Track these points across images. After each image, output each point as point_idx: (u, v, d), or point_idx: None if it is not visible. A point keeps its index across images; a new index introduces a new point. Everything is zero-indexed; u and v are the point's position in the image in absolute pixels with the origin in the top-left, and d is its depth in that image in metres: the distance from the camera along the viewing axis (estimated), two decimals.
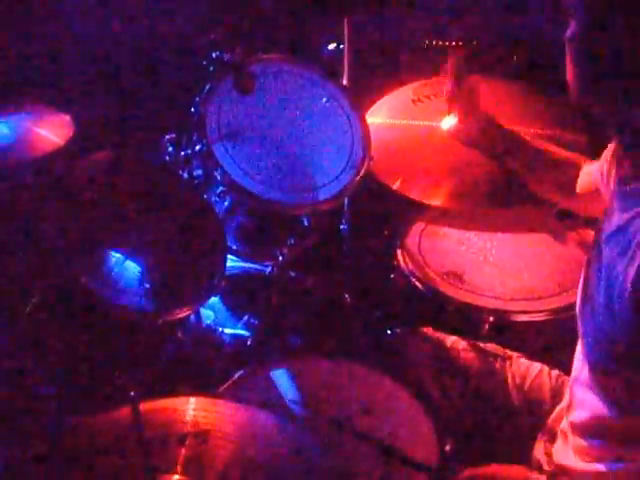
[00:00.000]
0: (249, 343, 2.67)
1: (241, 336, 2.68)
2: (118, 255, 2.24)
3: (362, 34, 3.10)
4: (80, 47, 3.48)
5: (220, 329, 2.66)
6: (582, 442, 1.75)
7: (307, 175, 2.56)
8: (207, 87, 2.54)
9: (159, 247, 2.34)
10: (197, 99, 2.54)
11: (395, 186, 2.62)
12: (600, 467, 1.70)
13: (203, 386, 2.34)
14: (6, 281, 2.22)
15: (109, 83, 3.51)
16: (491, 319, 2.34)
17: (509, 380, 2.15)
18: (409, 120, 2.78)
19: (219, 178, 2.46)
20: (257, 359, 2.27)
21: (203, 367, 2.55)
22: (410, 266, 2.53)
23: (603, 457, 1.70)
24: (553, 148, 2.30)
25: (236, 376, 2.13)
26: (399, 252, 2.58)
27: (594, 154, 2.13)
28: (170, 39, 3.56)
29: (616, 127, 1.61)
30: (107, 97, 3.48)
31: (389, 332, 2.53)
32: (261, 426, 1.73)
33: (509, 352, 2.22)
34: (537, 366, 2.17)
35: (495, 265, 2.53)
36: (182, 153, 2.64)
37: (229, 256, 2.51)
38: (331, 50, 3.35)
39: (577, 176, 2.14)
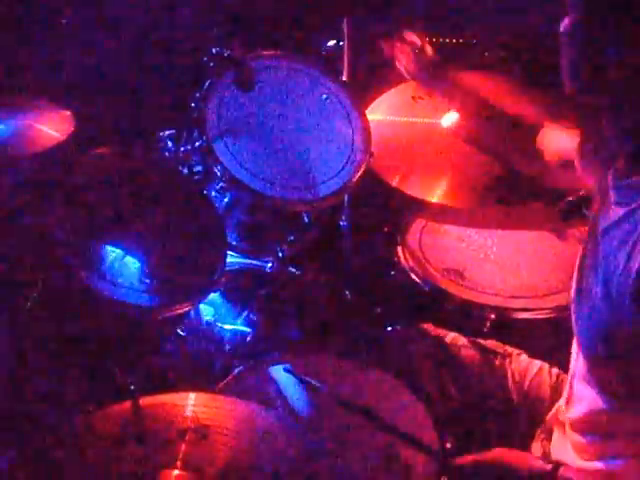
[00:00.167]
0: (249, 339, 2.67)
1: (241, 332, 2.68)
2: (118, 251, 2.24)
3: (362, 31, 3.09)
4: (80, 43, 3.47)
5: (220, 325, 2.66)
6: (581, 439, 1.76)
7: (307, 171, 2.56)
8: (207, 83, 2.55)
9: (159, 243, 2.34)
10: (197, 95, 2.54)
11: (395, 183, 2.62)
12: (598, 465, 1.71)
13: (203, 382, 2.36)
14: (6, 277, 2.21)
15: (109, 79, 3.50)
16: (492, 316, 2.34)
17: (509, 377, 2.15)
18: (409, 117, 2.79)
19: (219, 174, 2.46)
20: (257, 355, 2.27)
21: (203, 363, 2.55)
22: (410, 263, 2.52)
23: (602, 454, 1.71)
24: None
25: (236, 372, 2.13)
26: (399, 249, 2.58)
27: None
28: (170, 35, 3.55)
29: (611, 119, 1.61)
30: (107, 93, 3.48)
31: (389, 328, 2.53)
32: (260, 421, 1.74)
33: (509, 349, 2.22)
34: (537, 364, 2.17)
35: (496, 262, 2.53)
36: (182, 149, 2.64)
37: (229, 252, 2.52)
38: (331, 46, 3.34)
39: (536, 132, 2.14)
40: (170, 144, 2.81)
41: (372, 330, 2.65)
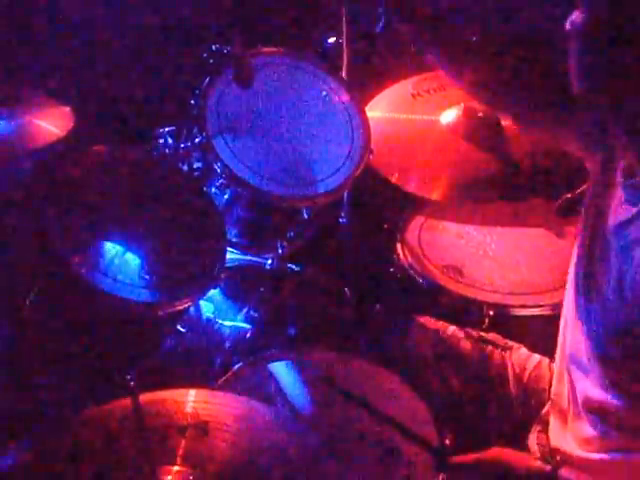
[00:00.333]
0: (248, 335, 2.67)
1: (241, 328, 2.68)
2: (118, 247, 2.24)
3: (362, 28, 3.10)
4: (80, 39, 3.47)
5: (220, 321, 2.66)
6: (583, 431, 1.76)
7: (307, 168, 2.56)
8: (207, 80, 2.54)
9: (159, 239, 2.34)
10: (197, 92, 2.54)
11: (394, 179, 2.63)
12: (599, 456, 1.72)
13: (203, 378, 2.36)
14: (5, 274, 2.21)
15: (109, 75, 3.50)
16: (491, 313, 2.35)
17: (509, 370, 2.16)
18: (408, 114, 2.79)
19: (219, 171, 2.46)
20: (257, 351, 2.27)
21: (203, 359, 2.56)
22: (410, 259, 2.53)
23: (604, 446, 1.72)
24: None
25: (235, 368, 2.14)
26: (399, 246, 2.59)
27: None
28: (170, 31, 3.55)
29: (622, 118, 1.61)
30: (107, 90, 3.47)
31: (390, 321, 2.54)
32: (260, 418, 1.75)
33: (510, 342, 2.24)
34: (537, 357, 2.19)
35: (494, 259, 2.53)
36: (182, 145, 2.64)
37: (229, 248, 2.51)
38: (331, 44, 3.34)
39: None
40: (170, 141, 2.81)
41: (374, 323, 2.65)
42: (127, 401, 1.64)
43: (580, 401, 1.77)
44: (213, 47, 2.60)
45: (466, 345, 2.23)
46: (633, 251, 1.56)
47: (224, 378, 2.11)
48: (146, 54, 3.54)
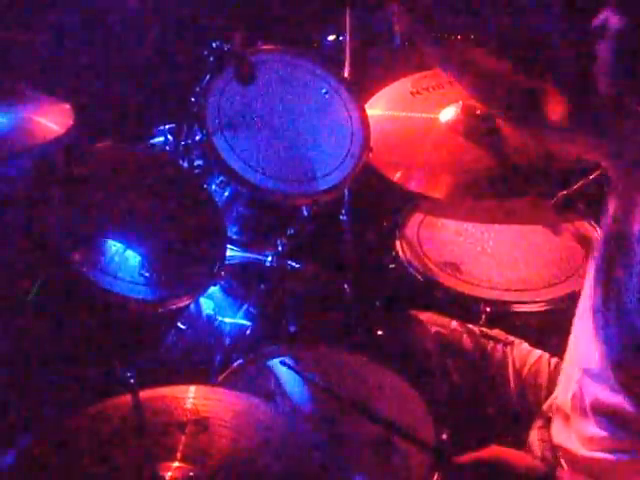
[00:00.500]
0: (248, 332, 2.67)
1: (241, 325, 2.69)
2: (118, 244, 2.24)
3: (362, 26, 3.10)
4: (80, 36, 3.47)
5: (220, 318, 2.67)
6: (592, 431, 1.77)
7: (307, 165, 2.57)
8: (207, 77, 2.55)
9: (159, 237, 2.34)
10: (197, 89, 2.55)
11: (393, 177, 2.64)
12: (603, 456, 1.73)
13: (203, 374, 2.37)
14: (6, 270, 2.22)
15: (109, 73, 3.50)
16: (488, 309, 2.36)
17: (509, 365, 2.17)
18: (408, 112, 2.80)
19: (219, 168, 2.47)
20: (256, 348, 2.28)
21: (203, 356, 2.56)
22: (409, 256, 2.54)
23: (609, 447, 1.73)
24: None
25: (235, 365, 2.15)
26: (398, 242, 2.60)
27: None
28: (171, 29, 3.55)
29: None
30: (107, 87, 3.48)
31: (393, 315, 2.55)
32: (260, 414, 1.75)
33: (511, 338, 2.25)
34: (537, 353, 2.20)
35: (492, 256, 2.54)
36: (182, 143, 2.64)
37: (229, 246, 2.52)
38: (331, 41, 3.35)
39: None
40: (170, 138, 2.82)
41: (373, 320, 2.66)
42: (127, 398, 1.65)
43: (588, 403, 1.78)
44: (213, 45, 2.60)
45: (467, 340, 2.24)
46: None
47: (224, 375, 2.11)
48: (146, 51, 3.55)
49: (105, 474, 1.60)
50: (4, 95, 2.94)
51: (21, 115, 2.87)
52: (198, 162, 2.59)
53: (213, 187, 2.56)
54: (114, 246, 2.22)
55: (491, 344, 2.23)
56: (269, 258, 2.74)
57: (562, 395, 1.93)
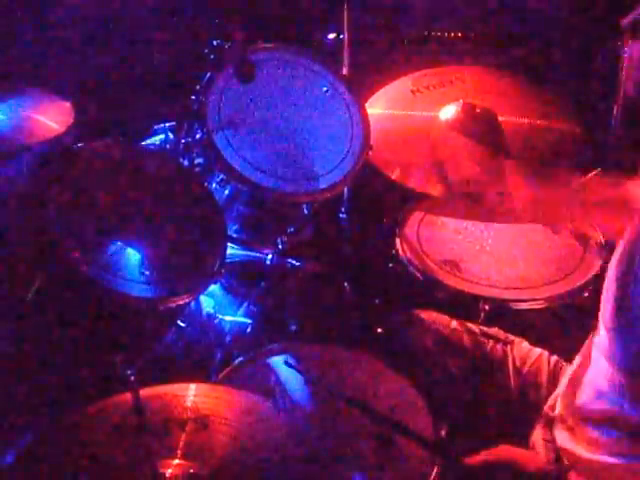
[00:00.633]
0: (249, 330, 2.68)
1: (241, 323, 2.69)
2: (118, 243, 2.24)
3: (362, 24, 3.11)
4: (81, 34, 3.47)
5: (220, 316, 2.67)
6: (597, 435, 1.77)
7: (307, 164, 2.58)
8: (207, 75, 2.55)
9: (159, 235, 2.34)
10: (197, 87, 2.55)
11: (394, 176, 2.64)
12: (608, 459, 1.73)
13: (203, 372, 2.37)
14: (7, 268, 2.22)
15: (109, 71, 3.50)
16: (487, 307, 2.37)
17: (509, 363, 2.17)
18: (408, 110, 2.80)
19: (219, 166, 2.47)
20: (256, 346, 2.29)
21: (203, 354, 2.57)
22: (408, 254, 2.54)
23: (615, 451, 1.73)
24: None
25: (236, 362, 2.15)
26: (398, 241, 2.60)
27: (587, 144, 2.13)
28: (171, 27, 3.56)
29: None
30: (107, 85, 3.48)
31: (394, 314, 2.55)
32: (260, 411, 1.76)
33: (511, 336, 2.25)
34: (537, 351, 2.20)
35: (491, 254, 2.54)
36: (182, 141, 2.65)
37: (229, 244, 2.52)
38: (332, 40, 3.35)
39: None
40: (171, 136, 2.83)
41: (373, 317, 2.67)
42: (128, 396, 1.66)
43: (594, 408, 1.79)
44: (214, 43, 2.61)
45: (467, 339, 2.24)
46: None
47: (224, 372, 2.12)
48: (146, 49, 3.55)
49: (106, 472, 1.60)
50: (4, 93, 2.95)
51: (21, 113, 2.88)
52: (198, 160, 2.60)
53: (213, 185, 2.56)
54: (114, 244, 2.23)
55: (491, 343, 2.23)
56: (269, 256, 2.75)
57: (566, 399, 1.93)
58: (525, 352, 2.20)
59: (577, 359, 1.97)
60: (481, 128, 2.67)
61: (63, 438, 1.67)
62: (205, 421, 1.68)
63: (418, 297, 2.53)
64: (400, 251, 2.57)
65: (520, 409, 2.10)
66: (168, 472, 1.59)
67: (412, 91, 2.87)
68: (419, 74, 2.94)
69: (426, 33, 2.87)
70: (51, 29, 3.46)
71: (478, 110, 2.70)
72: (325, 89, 2.70)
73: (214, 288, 2.59)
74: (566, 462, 1.84)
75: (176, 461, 1.62)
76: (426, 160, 2.67)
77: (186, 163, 2.62)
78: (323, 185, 2.55)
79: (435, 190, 2.62)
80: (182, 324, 2.50)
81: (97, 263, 2.17)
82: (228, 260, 2.49)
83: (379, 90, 2.92)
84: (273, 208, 2.66)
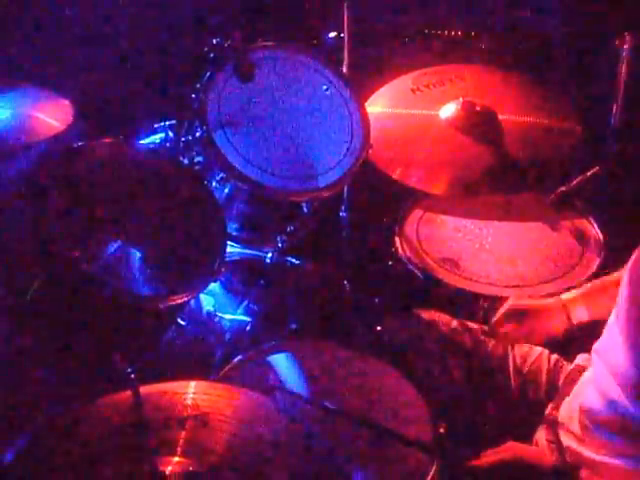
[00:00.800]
0: (248, 328, 2.69)
1: (241, 321, 2.70)
2: (119, 241, 2.24)
3: (363, 23, 3.11)
4: (80, 33, 3.48)
5: (220, 314, 2.68)
6: (603, 437, 1.76)
7: (307, 162, 2.58)
8: (207, 74, 2.55)
9: (159, 233, 2.34)
10: (197, 86, 2.55)
11: (394, 174, 2.64)
12: (615, 461, 1.72)
13: (203, 370, 2.38)
14: (8, 267, 2.22)
15: (109, 70, 3.51)
16: (486, 305, 2.37)
17: (510, 362, 2.18)
18: (408, 109, 2.81)
19: (219, 164, 2.48)
20: (256, 344, 2.29)
21: (203, 352, 2.57)
22: (408, 253, 2.55)
23: (621, 453, 1.72)
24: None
25: (235, 360, 2.15)
26: (397, 239, 2.60)
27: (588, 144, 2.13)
28: (171, 26, 3.56)
29: None
30: (107, 84, 3.48)
31: (394, 312, 2.56)
32: (259, 409, 1.75)
33: None
34: (538, 349, 2.21)
35: (491, 252, 2.55)
36: (182, 139, 2.65)
37: (229, 242, 2.52)
38: (332, 38, 3.36)
39: None
40: (171, 135, 2.82)
41: (375, 314, 2.67)
42: (128, 393, 1.66)
43: (601, 409, 1.79)
44: (214, 41, 2.61)
45: (468, 338, 2.25)
46: None
47: (224, 370, 2.12)
48: (147, 48, 3.55)
49: (106, 469, 1.61)
50: (4, 91, 2.95)
51: (21, 112, 2.88)
52: (198, 159, 2.59)
53: (213, 184, 2.56)
54: (114, 243, 2.23)
55: (491, 341, 2.23)
56: (269, 255, 2.75)
57: (573, 401, 1.93)
58: (525, 351, 2.21)
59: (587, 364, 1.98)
60: (481, 126, 2.68)
61: (63, 436, 1.67)
62: (205, 419, 1.68)
63: (418, 295, 2.53)
64: (400, 249, 2.57)
65: (520, 408, 2.11)
66: (168, 469, 1.59)
67: (412, 90, 2.88)
68: (419, 73, 2.95)
69: (426, 32, 2.87)
70: (51, 27, 3.47)
71: (478, 108, 2.71)
72: (325, 88, 2.70)
73: (214, 286, 2.58)
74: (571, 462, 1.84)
75: (176, 458, 1.61)
76: (426, 158, 2.68)
77: (186, 161, 2.62)
78: (323, 183, 2.55)
79: (435, 188, 2.63)
80: (182, 322, 2.50)
81: (97, 262, 2.17)
82: (228, 258, 2.50)
83: (379, 89, 2.92)
84: (273, 207, 2.66)
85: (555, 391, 2.07)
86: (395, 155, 2.71)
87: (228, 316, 2.69)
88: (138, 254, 2.25)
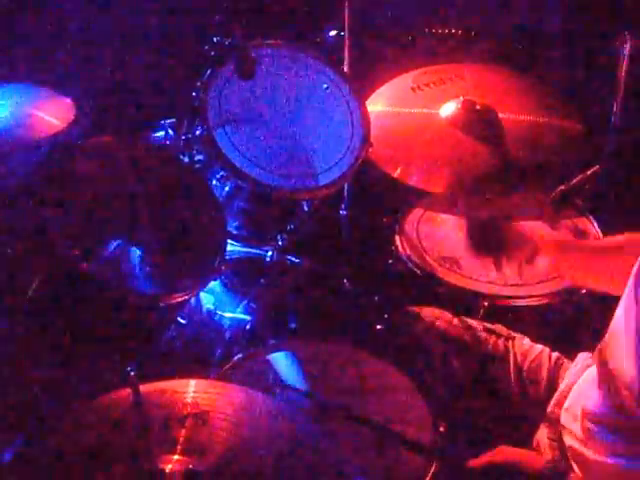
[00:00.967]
0: (248, 327, 2.69)
1: (240, 320, 2.70)
2: (119, 239, 2.24)
3: (363, 22, 3.11)
4: (81, 31, 3.48)
5: (220, 313, 2.67)
6: (605, 438, 1.76)
7: (307, 160, 2.58)
8: (208, 72, 2.55)
9: (160, 231, 2.34)
10: (198, 83, 2.55)
11: (394, 173, 2.64)
12: (613, 461, 1.72)
13: (203, 368, 2.38)
14: (8, 265, 2.22)
15: (110, 68, 3.51)
16: (485, 304, 2.37)
17: (510, 359, 2.18)
18: (408, 107, 2.81)
19: (220, 163, 2.48)
20: (256, 343, 2.29)
21: (203, 350, 2.57)
22: (408, 251, 2.55)
23: (620, 452, 1.72)
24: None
25: (235, 359, 2.16)
26: (397, 238, 2.60)
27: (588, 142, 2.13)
28: (172, 23, 3.56)
29: None
30: (108, 81, 3.48)
31: (394, 311, 2.56)
32: (259, 407, 1.75)
33: (513, 333, 2.25)
34: (539, 347, 2.21)
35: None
36: (183, 137, 2.65)
37: (229, 240, 2.53)
38: (332, 37, 3.36)
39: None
40: (171, 133, 2.82)
41: (375, 313, 2.67)
42: (128, 392, 1.66)
43: (605, 412, 1.79)
44: (214, 39, 2.61)
45: (469, 335, 2.25)
46: None
47: (224, 369, 2.13)
48: (147, 46, 3.55)
49: (106, 467, 1.61)
50: (5, 90, 2.95)
51: (23, 109, 2.88)
52: (199, 157, 2.59)
53: (214, 182, 2.56)
54: (114, 241, 2.23)
55: (493, 339, 2.23)
56: (269, 253, 2.74)
57: (575, 402, 1.93)
58: (526, 348, 2.20)
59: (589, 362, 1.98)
60: (481, 125, 2.68)
61: (63, 434, 1.67)
62: (205, 417, 1.68)
63: (418, 294, 2.53)
64: (400, 248, 2.58)
65: (520, 405, 2.11)
66: (168, 468, 1.59)
67: (412, 88, 2.88)
68: (419, 71, 2.95)
69: (426, 30, 2.87)
70: (51, 26, 3.47)
71: (478, 107, 2.71)
72: (326, 86, 2.69)
73: (214, 285, 2.59)
74: (573, 463, 1.84)
75: (176, 457, 1.62)
76: (426, 157, 2.68)
77: (186, 160, 2.62)
78: (323, 182, 2.55)
79: (435, 187, 2.63)
80: (182, 321, 2.50)
81: (97, 260, 2.17)
82: (228, 257, 2.50)
83: (379, 87, 2.92)
84: (273, 205, 2.66)
85: (556, 389, 2.07)
86: (395, 154, 2.71)
87: (228, 314, 2.69)
88: (138, 252, 2.25)
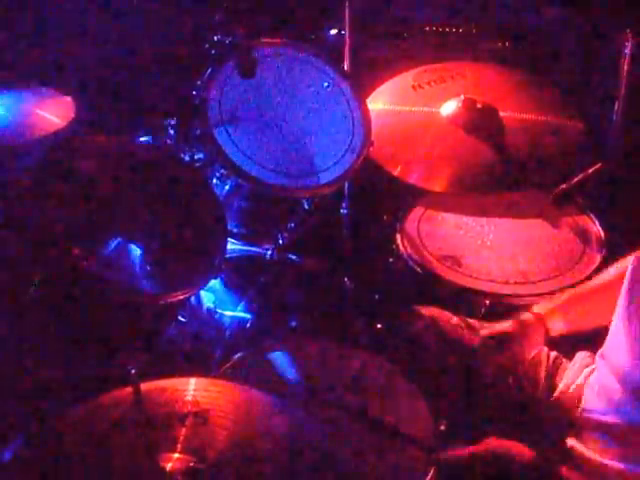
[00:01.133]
0: (249, 325, 2.69)
1: (241, 318, 2.70)
2: (119, 237, 2.25)
3: (364, 20, 3.10)
4: (82, 30, 3.48)
5: (220, 311, 2.68)
6: (608, 442, 1.76)
7: (308, 159, 2.58)
8: (209, 70, 2.55)
9: (160, 229, 2.35)
10: (199, 82, 2.55)
11: (395, 172, 2.64)
12: (618, 465, 1.73)
13: (203, 367, 2.38)
14: (7, 264, 2.22)
15: (110, 66, 3.51)
16: (487, 302, 2.37)
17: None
18: (409, 106, 2.81)
19: (220, 161, 2.48)
20: (256, 341, 2.29)
21: (203, 348, 2.57)
22: (409, 250, 2.55)
23: (624, 457, 1.72)
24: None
25: (236, 357, 2.15)
26: (398, 236, 2.60)
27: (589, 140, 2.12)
28: (172, 22, 3.56)
29: None
30: (108, 80, 3.48)
31: (395, 309, 2.56)
32: (260, 406, 1.76)
33: None
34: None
35: (492, 249, 2.55)
36: (183, 136, 2.65)
37: (229, 239, 2.53)
38: (333, 35, 3.36)
39: None
40: (171, 131, 2.82)
41: (375, 311, 2.67)
42: (128, 390, 1.66)
43: (604, 414, 1.78)
44: (215, 38, 2.61)
45: (470, 334, 2.24)
46: None
47: (224, 367, 2.12)
48: (148, 45, 3.55)
49: (106, 466, 1.61)
50: (6, 88, 2.96)
51: (23, 108, 2.89)
52: (199, 155, 2.60)
53: (214, 180, 2.57)
54: (114, 240, 2.23)
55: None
56: (269, 251, 2.74)
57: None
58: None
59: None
60: (482, 124, 2.68)
61: (63, 433, 1.67)
62: (205, 415, 1.68)
63: (419, 293, 2.53)
64: (400, 246, 2.57)
65: (518, 404, 2.11)
66: (168, 466, 1.59)
67: (413, 87, 2.88)
68: (420, 70, 2.95)
69: (427, 29, 2.87)
70: (52, 24, 3.47)
71: (479, 106, 2.71)
72: (326, 85, 2.69)
73: (214, 283, 2.59)
74: (574, 465, 1.84)
75: (176, 455, 1.61)
76: (427, 155, 2.68)
77: (187, 158, 2.62)
78: (324, 180, 2.55)
79: (436, 185, 2.63)
80: (182, 319, 2.50)
81: (97, 259, 2.17)
82: (228, 255, 2.50)
83: (380, 86, 2.92)
84: (273, 203, 2.66)
85: (554, 389, 2.07)
86: (396, 152, 2.71)
87: (228, 313, 2.69)
88: (138, 251, 2.25)
